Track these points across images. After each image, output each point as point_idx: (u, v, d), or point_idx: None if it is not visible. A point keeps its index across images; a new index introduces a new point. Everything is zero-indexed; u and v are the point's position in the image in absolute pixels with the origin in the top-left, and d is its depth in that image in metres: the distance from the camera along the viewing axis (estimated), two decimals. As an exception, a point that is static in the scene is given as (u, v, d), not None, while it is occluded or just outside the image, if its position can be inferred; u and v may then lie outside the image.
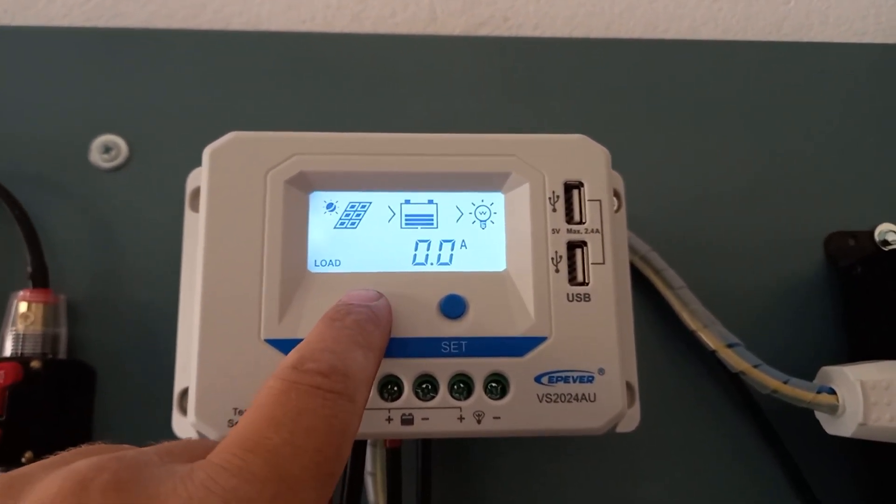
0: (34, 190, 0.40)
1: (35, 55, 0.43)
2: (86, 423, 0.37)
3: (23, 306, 0.36)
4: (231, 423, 0.26)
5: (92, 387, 0.38)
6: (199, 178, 0.32)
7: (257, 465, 0.18)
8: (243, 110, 0.43)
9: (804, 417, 0.37)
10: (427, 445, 0.32)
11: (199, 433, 0.26)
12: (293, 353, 0.22)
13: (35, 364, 0.35)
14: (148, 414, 0.37)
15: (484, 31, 0.47)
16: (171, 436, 0.30)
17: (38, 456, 0.34)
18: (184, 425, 0.30)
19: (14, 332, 0.36)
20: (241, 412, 0.26)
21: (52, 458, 0.19)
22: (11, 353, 0.35)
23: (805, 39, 0.49)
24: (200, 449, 0.20)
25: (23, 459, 0.33)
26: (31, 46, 0.43)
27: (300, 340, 0.26)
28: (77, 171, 0.41)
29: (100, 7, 0.46)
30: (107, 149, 0.41)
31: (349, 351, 0.22)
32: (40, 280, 0.37)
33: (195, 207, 0.32)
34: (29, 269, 0.37)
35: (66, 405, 0.36)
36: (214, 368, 0.26)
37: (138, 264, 0.40)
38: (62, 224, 0.40)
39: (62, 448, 0.35)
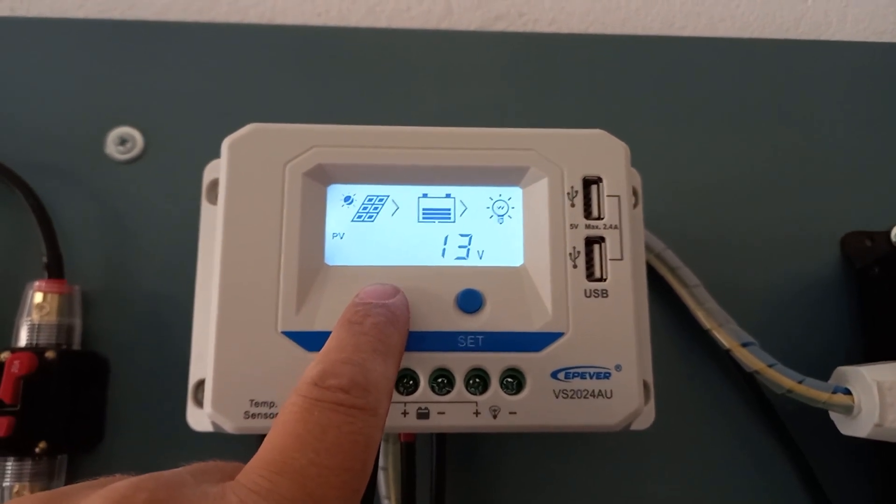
0: (50, 181, 0.40)
1: (50, 46, 0.43)
2: (99, 415, 0.37)
3: (38, 296, 0.36)
4: (247, 415, 0.26)
5: (106, 378, 0.38)
6: (215, 171, 0.32)
7: (285, 486, 0.19)
8: (258, 103, 0.43)
9: (818, 418, 0.37)
10: (442, 440, 0.32)
11: (215, 424, 0.26)
12: (314, 366, 0.22)
13: (50, 354, 0.35)
14: (160, 405, 0.37)
15: (499, 26, 0.47)
16: (184, 427, 0.30)
17: (51, 446, 0.34)
18: (198, 417, 0.30)
19: (29, 322, 0.36)
20: (257, 404, 0.26)
21: (91, 481, 0.20)
22: (27, 343, 0.35)
23: (823, 38, 0.48)
24: (231, 469, 0.21)
25: (36, 450, 0.34)
26: (47, 37, 0.43)
27: (317, 333, 0.26)
28: (92, 163, 0.41)
29: (115, -2, 0.46)
30: (122, 141, 0.41)
31: (370, 361, 0.22)
32: (56, 270, 0.37)
33: (212, 199, 0.32)
34: (44, 259, 0.37)
35: (80, 396, 0.36)
36: (231, 360, 0.26)
37: (152, 256, 0.40)
38: (77, 215, 0.40)
39: (76, 438, 0.36)
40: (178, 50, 0.43)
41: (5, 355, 0.34)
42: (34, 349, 0.35)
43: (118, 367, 0.38)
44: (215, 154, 0.32)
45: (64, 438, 0.35)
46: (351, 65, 0.44)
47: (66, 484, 0.36)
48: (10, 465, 0.34)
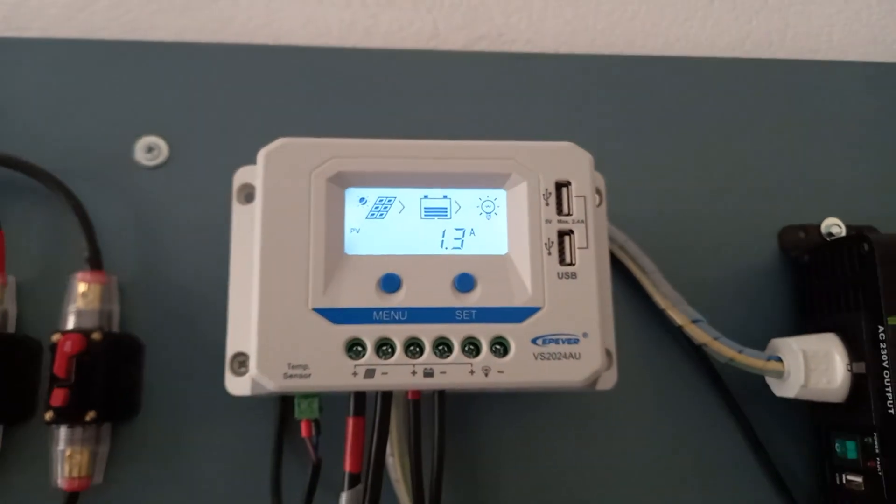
0: (87, 185, 0.43)
1: (82, 66, 0.46)
2: (136, 389, 0.41)
3: (82, 286, 0.40)
4: (286, 376, 0.31)
5: (141, 357, 0.42)
6: (245, 175, 0.37)
7: None
8: (268, 117, 0.46)
9: (757, 382, 0.42)
10: (442, 397, 0.35)
11: (258, 384, 0.32)
12: None
13: (96, 336, 0.38)
14: (187, 382, 0.42)
15: (481, 46, 0.52)
16: (208, 400, 0.35)
17: (99, 415, 0.38)
18: (235, 383, 0.35)
19: (75, 309, 0.39)
20: (293, 367, 0.31)
21: None
22: (75, 327, 0.39)
23: (765, 56, 0.53)
24: None
25: (86, 418, 0.37)
26: (78, 58, 0.46)
27: (340, 309, 0.32)
28: (123, 169, 0.44)
29: (136, 21, 0.49)
30: (149, 149, 0.45)
31: None
32: (96, 263, 0.41)
33: (241, 200, 0.37)
34: (86, 254, 0.40)
35: (120, 372, 0.40)
36: (271, 332, 0.32)
37: (177, 251, 0.43)
38: (110, 215, 0.43)
39: (118, 409, 0.40)
40: (194, 68, 0.46)
41: (57, 337, 0.38)
42: (82, 331, 0.38)
43: (149, 348, 0.42)
44: (233, 160, 0.37)
45: (108, 408, 0.39)
46: (349, 80, 0.47)
47: (111, 448, 0.41)
48: (63, 431, 0.38)
